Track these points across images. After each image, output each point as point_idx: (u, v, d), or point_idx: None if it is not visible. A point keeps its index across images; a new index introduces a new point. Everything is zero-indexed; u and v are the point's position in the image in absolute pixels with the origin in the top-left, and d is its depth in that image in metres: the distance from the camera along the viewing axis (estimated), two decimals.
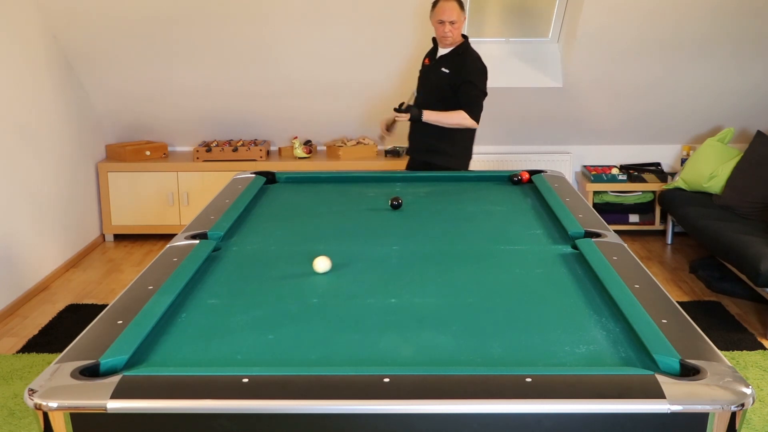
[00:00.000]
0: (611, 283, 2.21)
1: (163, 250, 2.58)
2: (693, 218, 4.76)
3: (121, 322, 1.96)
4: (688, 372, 1.68)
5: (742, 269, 4.04)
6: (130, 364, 1.77)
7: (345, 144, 5.62)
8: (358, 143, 5.64)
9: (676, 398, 1.57)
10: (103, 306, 2.38)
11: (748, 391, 1.60)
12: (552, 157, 5.70)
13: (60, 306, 4.40)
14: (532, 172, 3.76)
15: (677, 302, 2.12)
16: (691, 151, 5.68)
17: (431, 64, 4.17)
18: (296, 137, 5.64)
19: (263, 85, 5.32)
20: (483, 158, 5.60)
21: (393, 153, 5.65)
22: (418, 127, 4.17)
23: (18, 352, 3.81)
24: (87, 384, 1.64)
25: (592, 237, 2.68)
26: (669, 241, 5.56)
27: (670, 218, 5.50)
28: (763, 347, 3.79)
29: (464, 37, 4.10)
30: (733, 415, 1.56)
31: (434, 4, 4.04)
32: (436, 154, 4.13)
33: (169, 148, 5.86)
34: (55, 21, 4.84)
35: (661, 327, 1.89)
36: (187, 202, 5.51)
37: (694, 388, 1.61)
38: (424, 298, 2.23)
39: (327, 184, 3.75)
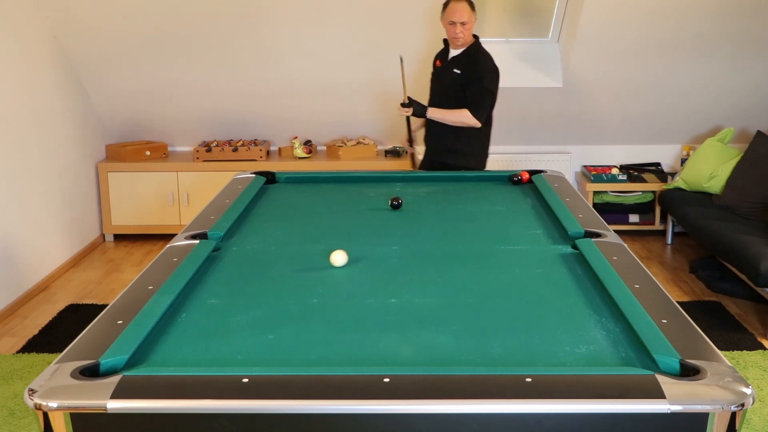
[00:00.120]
0: (611, 283, 2.21)
1: (163, 250, 2.59)
2: (693, 218, 4.76)
3: (121, 322, 1.96)
4: (688, 372, 1.68)
5: (742, 269, 4.04)
6: (130, 364, 1.77)
7: (345, 144, 5.62)
8: (358, 143, 5.64)
9: (676, 398, 1.57)
10: (103, 306, 2.38)
11: (748, 391, 1.60)
12: (552, 157, 5.70)
13: (60, 306, 4.40)
14: (532, 172, 3.76)
15: (677, 302, 2.12)
16: (691, 151, 5.68)
17: (443, 65, 4.17)
18: (296, 137, 5.64)
19: (263, 85, 5.32)
20: None
21: (393, 153, 5.65)
22: (434, 129, 4.19)
23: (18, 352, 3.81)
24: (87, 384, 1.64)
25: (592, 237, 2.68)
26: (669, 241, 5.56)
27: (670, 218, 5.50)
28: (763, 347, 3.79)
29: (475, 37, 4.10)
30: (733, 415, 1.56)
31: (445, 5, 4.04)
32: (453, 154, 4.13)
33: (169, 148, 5.86)
34: (55, 21, 4.84)
35: (661, 327, 1.89)
36: (187, 202, 5.51)
37: (694, 388, 1.61)
38: (424, 298, 2.23)
39: (327, 184, 3.75)
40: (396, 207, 3.19)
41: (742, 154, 5.06)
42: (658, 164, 5.77)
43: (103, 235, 5.66)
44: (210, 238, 2.75)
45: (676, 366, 1.71)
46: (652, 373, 1.67)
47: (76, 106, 5.26)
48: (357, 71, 5.22)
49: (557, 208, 3.07)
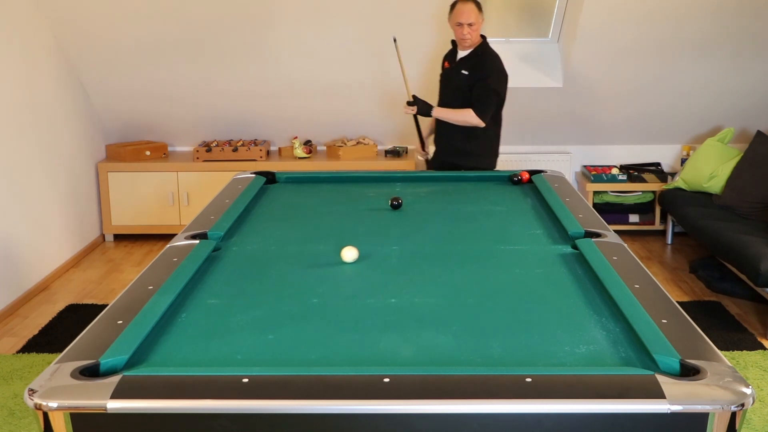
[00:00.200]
0: (611, 283, 2.21)
1: (163, 250, 2.59)
2: (693, 218, 4.76)
3: (121, 322, 1.96)
4: (688, 372, 1.68)
5: (742, 269, 4.04)
6: (130, 364, 1.77)
7: (345, 144, 5.62)
8: (358, 143, 5.64)
9: (676, 398, 1.57)
10: (103, 306, 2.38)
11: (748, 391, 1.60)
12: (552, 157, 5.70)
13: (60, 306, 4.40)
14: (532, 172, 3.76)
15: (677, 302, 2.12)
16: (691, 151, 5.68)
17: (451, 67, 4.19)
18: (296, 137, 5.64)
19: (263, 85, 5.32)
20: None
21: (393, 153, 5.65)
22: (444, 130, 4.20)
23: (18, 352, 3.81)
24: (87, 384, 1.64)
25: (592, 237, 2.68)
26: (669, 241, 5.56)
27: (670, 218, 5.50)
28: (763, 347, 3.79)
29: (483, 37, 4.11)
30: (733, 415, 1.56)
31: (452, 7, 4.06)
32: (463, 155, 4.14)
33: (169, 148, 5.86)
34: (55, 21, 4.84)
35: (661, 327, 1.89)
36: (187, 202, 5.51)
37: (694, 388, 1.61)
38: (424, 298, 2.23)
39: (327, 184, 3.75)
40: (396, 207, 3.19)
41: (742, 154, 5.06)
42: (658, 164, 5.77)
43: (103, 235, 5.66)
44: (210, 238, 2.75)
45: (676, 366, 1.71)
46: (652, 373, 1.67)
47: (76, 106, 5.26)
48: (357, 71, 5.22)
49: (557, 208, 3.07)
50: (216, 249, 2.64)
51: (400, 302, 2.19)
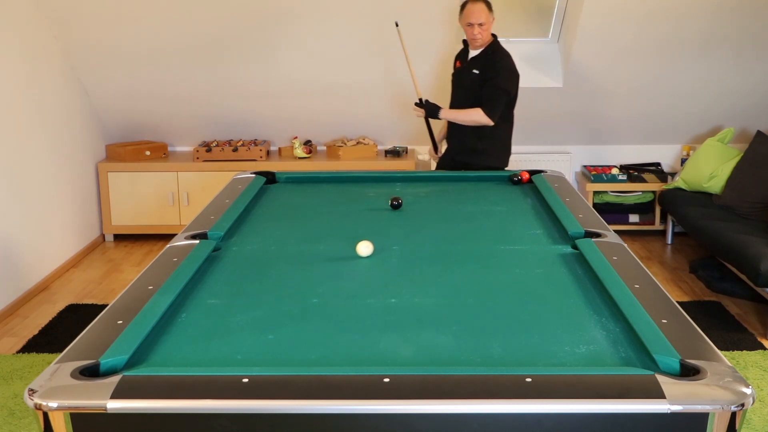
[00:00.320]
0: (611, 283, 2.21)
1: (163, 250, 2.59)
2: (693, 218, 4.76)
3: (121, 322, 1.96)
4: (688, 372, 1.68)
5: (742, 269, 4.04)
6: (130, 364, 1.77)
7: (345, 144, 5.62)
8: (358, 143, 5.64)
9: (676, 398, 1.57)
10: (103, 306, 2.38)
11: (748, 391, 1.60)
12: (552, 157, 5.70)
13: (60, 306, 4.40)
14: (532, 172, 3.76)
15: (677, 302, 2.12)
16: (691, 151, 5.68)
17: (462, 66, 4.20)
18: (296, 137, 5.64)
19: (263, 85, 5.32)
20: None
21: (393, 153, 5.65)
22: (456, 128, 4.21)
23: (18, 352, 3.81)
24: (87, 384, 1.64)
25: (592, 237, 2.68)
26: (669, 241, 5.56)
27: (670, 218, 5.50)
28: (763, 347, 3.78)
29: (494, 36, 4.13)
30: (733, 415, 1.56)
31: (462, 7, 4.08)
32: (475, 153, 4.16)
33: (169, 148, 5.86)
34: (55, 21, 4.84)
35: (661, 327, 1.89)
36: (187, 202, 5.51)
37: (694, 388, 1.61)
38: (424, 298, 2.23)
39: (327, 184, 3.75)
40: (396, 207, 3.19)
41: (742, 154, 5.06)
42: (658, 164, 5.77)
43: (103, 235, 5.66)
44: (210, 238, 2.75)
45: (676, 366, 1.71)
46: (652, 373, 1.67)
47: (76, 106, 5.27)
48: (357, 71, 5.22)
49: (557, 208, 3.07)
50: (216, 249, 2.64)
51: (400, 302, 2.19)
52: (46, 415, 1.59)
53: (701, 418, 1.56)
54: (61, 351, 2.01)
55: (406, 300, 2.21)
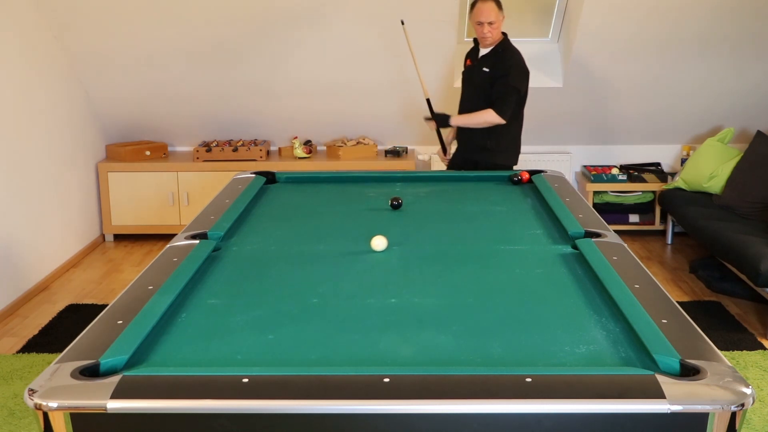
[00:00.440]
0: (611, 283, 2.21)
1: (163, 250, 2.58)
2: (693, 218, 4.76)
3: (121, 322, 1.96)
4: (688, 372, 1.68)
5: (742, 269, 4.04)
6: (130, 364, 1.77)
7: (345, 144, 5.62)
8: (358, 143, 5.64)
9: (676, 398, 1.57)
10: (103, 306, 2.38)
11: (748, 391, 1.60)
12: (552, 157, 5.70)
13: (60, 306, 4.40)
14: (532, 172, 3.76)
15: (677, 302, 2.12)
16: (691, 151, 5.68)
17: (473, 64, 4.22)
18: (296, 137, 5.64)
19: (263, 85, 5.32)
20: None
21: (393, 153, 5.65)
22: (465, 128, 4.22)
23: (18, 352, 3.81)
24: (87, 384, 1.64)
25: (592, 237, 2.68)
26: (669, 241, 5.56)
27: (670, 218, 5.50)
28: (763, 347, 3.78)
29: (504, 34, 4.15)
30: (733, 415, 1.56)
31: (472, 6, 4.10)
32: (485, 152, 4.17)
33: (169, 148, 5.86)
34: (55, 21, 4.84)
35: (661, 327, 1.89)
36: (187, 202, 5.51)
37: (694, 388, 1.61)
38: (424, 298, 2.23)
39: (327, 184, 3.75)
40: (396, 207, 3.19)
41: (742, 154, 5.06)
42: (658, 164, 5.77)
43: (103, 235, 5.66)
44: (210, 238, 2.74)
45: (676, 366, 1.71)
46: (652, 373, 1.67)
47: (76, 106, 5.27)
48: (357, 71, 5.22)
49: (557, 208, 3.07)
50: (216, 249, 2.64)
51: (400, 302, 2.19)
52: (46, 415, 1.59)
53: (701, 418, 1.56)
54: (61, 351, 2.01)
55: (406, 300, 2.21)
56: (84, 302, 4.45)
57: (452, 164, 4.39)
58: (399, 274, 2.44)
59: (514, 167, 4.23)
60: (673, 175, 5.64)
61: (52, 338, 3.94)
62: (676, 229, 5.53)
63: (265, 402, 1.60)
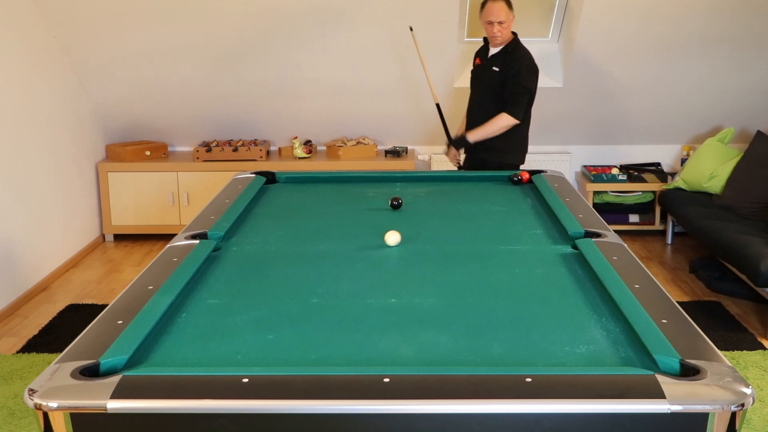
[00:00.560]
0: (611, 283, 2.21)
1: (163, 250, 2.59)
2: (693, 218, 4.76)
3: (121, 322, 1.96)
4: (688, 372, 1.68)
5: (742, 269, 4.04)
6: (130, 364, 1.77)
7: (345, 144, 5.62)
8: (358, 143, 5.64)
9: (676, 398, 1.57)
10: (103, 306, 2.39)
11: (748, 391, 1.60)
12: (552, 157, 5.70)
13: (60, 306, 4.40)
14: (532, 172, 3.76)
15: (677, 302, 2.12)
16: (691, 151, 5.68)
17: (482, 63, 4.23)
18: (296, 137, 5.64)
19: (263, 85, 5.32)
20: None
21: (393, 153, 5.65)
22: (472, 128, 4.23)
23: (18, 352, 3.81)
24: (87, 384, 1.64)
25: (592, 237, 2.68)
26: (669, 241, 5.56)
27: (670, 218, 5.50)
28: (763, 347, 3.79)
29: (514, 34, 4.16)
30: (733, 415, 1.56)
31: (482, 5, 4.12)
32: (492, 151, 4.18)
33: (169, 148, 5.86)
34: (55, 21, 4.84)
35: (661, 327, 1.89)
36: (187, 202, 5.51)
37: (694, 388, 1.61)
38: (425, 298, 2.23)
39: (327, 184, 3.75)
40: (396, 207, 3.19)
41: (742, 154, 5.06)
42: (658, 164, 5.77)
43: (103, 235, 5.66)
44: (210, 238, 2.75)
45: (676, 366, 1.71)
46: (652, 373, 1.67)
47: (77, 106, 5.26)
48: (357, 71, 5.22)
49: (557, 208, 3.07)
50: (216, 249, 2.64)
51: (400, 302, 2.19)
52: (46, 415, 1.59)
53: (701, 418, 1.56)
54: (61, 351, 2.01)
55: (406, 300, 2.21)
56: (84, 302, 4.45)
57: (464, 166, 4.39)
58: (399, 274, 2.44)
59: (521, 166, 4.24)
60: (673, 175, 5.64)
61: (52, 338, 3.94)
62: (676, 229, 5.53)
63: (265, 402, 1.60)
